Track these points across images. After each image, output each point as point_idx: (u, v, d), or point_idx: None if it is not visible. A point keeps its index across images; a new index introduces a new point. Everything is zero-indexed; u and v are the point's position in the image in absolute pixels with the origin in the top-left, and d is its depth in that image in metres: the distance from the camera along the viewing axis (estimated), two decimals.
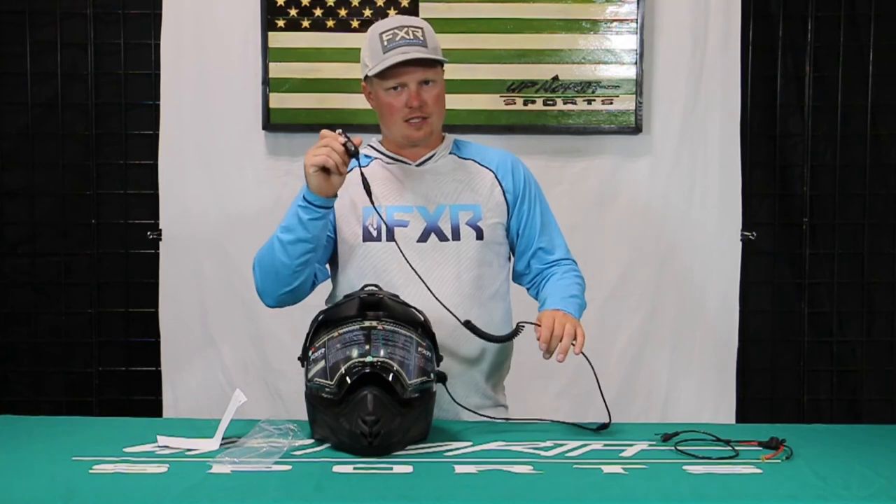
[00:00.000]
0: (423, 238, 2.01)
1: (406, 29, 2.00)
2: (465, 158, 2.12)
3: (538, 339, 1.86)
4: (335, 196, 1.90)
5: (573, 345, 1.84)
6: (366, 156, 2.12)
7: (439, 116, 2.06)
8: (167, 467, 1.56)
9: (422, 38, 1.99)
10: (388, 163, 2.10)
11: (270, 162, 3.04)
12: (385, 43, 1.99)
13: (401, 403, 1.65)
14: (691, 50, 3.03)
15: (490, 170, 2.11)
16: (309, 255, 1.94)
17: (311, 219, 1.89)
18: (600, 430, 1.86)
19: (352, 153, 1.84)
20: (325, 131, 1.87)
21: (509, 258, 2.15)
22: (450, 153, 2.12)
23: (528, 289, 2.17)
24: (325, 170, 1.84)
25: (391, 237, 1.98)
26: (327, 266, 2.09)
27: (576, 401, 3.01)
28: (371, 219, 2.01)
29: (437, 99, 2.04)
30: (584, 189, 3.05)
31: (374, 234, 2.01)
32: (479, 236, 2.03)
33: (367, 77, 2.04)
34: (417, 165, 2.09)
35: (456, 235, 2.02)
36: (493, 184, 2.09)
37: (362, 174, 1.90)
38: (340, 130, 1.86)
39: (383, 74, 1.99)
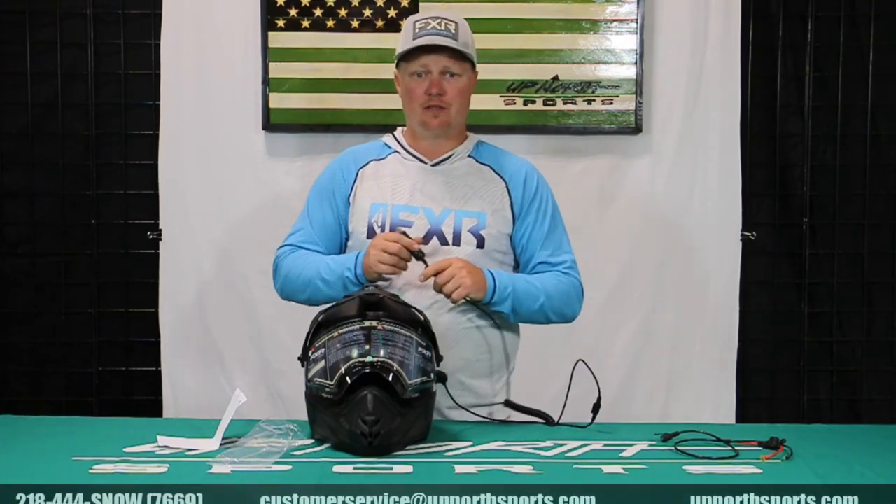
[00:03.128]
0: (426, 240, 2.02)
1: (440, 20, 2.05)
2: (483, 163, 2.13)
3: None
4: None
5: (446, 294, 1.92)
6: (386, 145, 2.15)
7: (459, 111, 2.08)
8: (167, 467, 1.56)
9: (453, 31, 2.04)
10: (405, 158, 2.12)
11: (270, 162, 3.03)
12: (416, 30, 2.04)
13: (401, 403, 1.65)
14: (691, 50, 3.03)
15: (503, 179, 2.12)
16: None
17: (357, 289, 1.96)
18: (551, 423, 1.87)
19: (418, 258, 1.93)
20: (399, 236, 1.93)
21: (516, 268, 2.14)
22: (469, 155, 2.13)
23: None
24: None
25: None
26: None
27: (576, 401, 3.01)
28: (377, 216, 2.03)
29: (460, 92, 2.06)
30: (584, 189, 3.05)
31: (379, 231, 2.03)
32: (480, 244, 2.04)
33: (397, 64, 2.09)
34: (433, 165, 2.10)
35: (457, 241, 2.03)
36: (504, 194, 2.11)
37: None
38: (413, 240, 1.94)
39: (408, 57, 2.03)
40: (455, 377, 1.97)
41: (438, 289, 1.91)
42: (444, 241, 2.02)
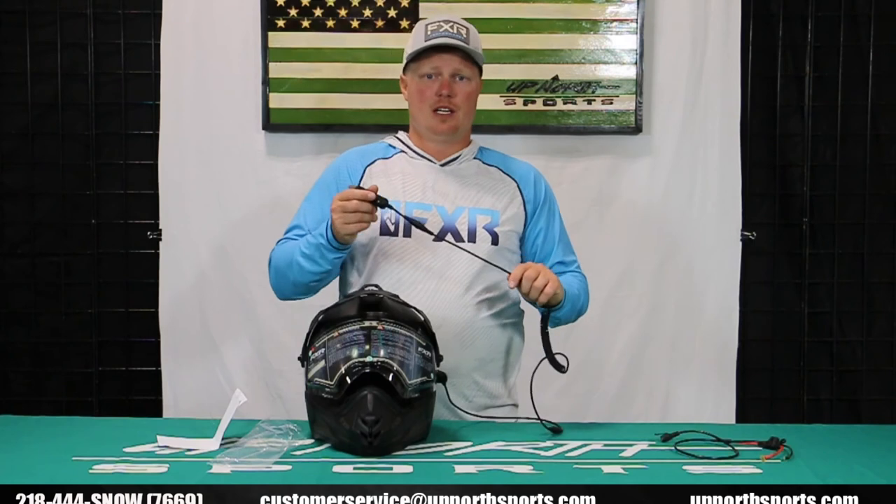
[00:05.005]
0: (440, 237, 2.02)
1: (452, 24, 2.07)
2: (490, 165, 2.15)
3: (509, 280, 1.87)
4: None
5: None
6: (390, 146, 2.15)
7: (467, 115, 2.09)
8: (167, 467, 1.56)
9: (464, 35, 2.05)
10: (413, 157, 2.12)
11: (270, 162, 3.03)
12: (429, 32, 2.05)
13: (401, 403, 1.65)
14: (691, 50, 3.03)
15: (513, 179, 2.14)
16: (328, 277, 2.04)
17: (335, 257, 1.97)
18: (554, 431, 1.85)
19: (381, 205, 1.89)
20: (351, 191, 1.88)
21: None
22: (475, 158, 2.15)
23: None
24: None
25: (408, 233, 2.02)
26: None
27: (576, 400, 3.01)
28: (390, 213, 2.02)
29: (469, 96, 2.07)
30: (584, 189, 3.05)
31: (392, 228, 2.03)
32: (495, 241, 2.05)
33: (405, 68, 2.10)
34: (442, 165, 2.10)
35: (472, 238, 2.04)
36: (515, 193, 2.13)
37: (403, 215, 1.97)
38: (359, 186, 1.91)
39: (419, 58, 2.04)
40: (470, 377, 1.98)
41: (529, 286, 1.85)
42: (458, 238, 2.03)
